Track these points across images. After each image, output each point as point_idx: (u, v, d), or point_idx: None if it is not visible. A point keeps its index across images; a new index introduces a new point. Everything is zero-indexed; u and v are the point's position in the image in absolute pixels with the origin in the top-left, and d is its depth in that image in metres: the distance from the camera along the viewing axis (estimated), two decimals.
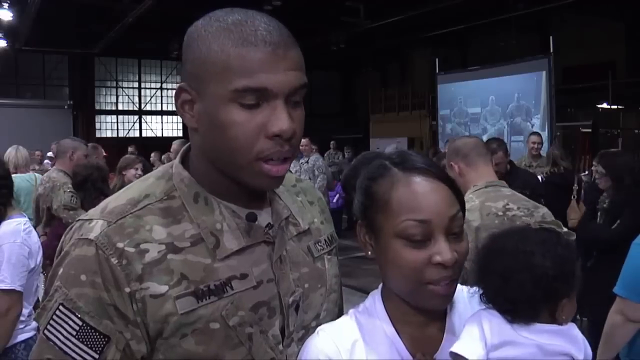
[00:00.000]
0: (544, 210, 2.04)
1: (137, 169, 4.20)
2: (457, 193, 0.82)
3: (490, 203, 1.94)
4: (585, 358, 0.79)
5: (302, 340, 0.84)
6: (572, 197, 4.58)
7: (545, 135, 8.52)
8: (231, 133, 0.73)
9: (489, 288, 0.79)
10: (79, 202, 3.25)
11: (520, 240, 0.80)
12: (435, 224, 0.77)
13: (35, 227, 3.59)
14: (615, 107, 12.29)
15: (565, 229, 0.83)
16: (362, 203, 0.84)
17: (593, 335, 3.23)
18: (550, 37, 9.10)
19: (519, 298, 0.76)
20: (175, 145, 5.64)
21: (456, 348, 0.78)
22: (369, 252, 0.84)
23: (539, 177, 4.62)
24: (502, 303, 0.78)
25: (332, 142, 11.28)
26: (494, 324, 0.78)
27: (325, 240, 0.94)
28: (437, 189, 0.79)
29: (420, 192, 0.78)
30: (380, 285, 0.89)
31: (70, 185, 3.33)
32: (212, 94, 0.73)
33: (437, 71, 11.71)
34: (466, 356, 0.76)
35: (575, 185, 4.60)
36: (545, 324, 0.78)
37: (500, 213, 1.92)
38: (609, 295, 3.21)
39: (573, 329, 0.80)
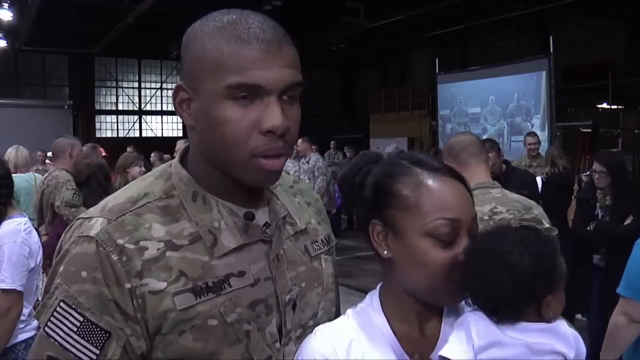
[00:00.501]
0: (537, 210, 1.98)
1: (140, 166, 4.24)
2: (470, 192, 0.84)
3: (475, 207, 1.88)
4: (578, 354, 0.79)
5: (300, 339, 0.85)
6: (573, 198, 4.58)
7: (545, 135, 8.53)
8: (225, 130, 0.74)
9: (471, 289, 0.79)
10: (82, 200, 3.26)
11: (498, 240, 0.80)
12: (463, 223, 0.79)
13: (37, 227, 3.61)
14: (615, 107, 12.29)
15: (547, 225, 0.83)
16: (377, 201, 0.83)
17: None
18: (550, 37, 9.11)
19: (498, 298, 0.76)
20: (179, 144, 5.66)
21: (444, 352, 0.78)
22: (385, 252, 0.83)
23: (540, 179, 4.61)
24: (484, 304, 0.78)
25: (332, 142, 11.28)
26: (481, 326, 0.78)
27: (322, 240, 0.95)
28: (461, 190, 0.81)
29: (449, 191, 0.80)
30: (379, 285, 0.89)
31: (73, 183, 3.35)
32: (207, 91, 0.74)
33: (437, 71, 11.72)
34: (454, 359, 0.76)
35: (576, 185, 4.61)
36: (532, 322, 0.78)
37: (486, 217, 1.84)
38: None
39: (562, 326, 0.79)
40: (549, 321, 0.79)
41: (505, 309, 0.77)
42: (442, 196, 0.79)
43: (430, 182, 0.80)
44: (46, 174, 3.86)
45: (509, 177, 3.59)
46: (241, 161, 0.75)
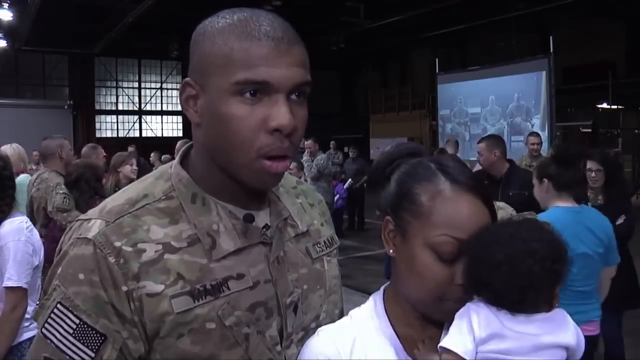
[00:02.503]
0: (505, 213, 1.99)
1: (132, 164, 4.18)
2: (494, 214, 0.80)
3: None
4: (578, 342, 0.78)
5: (302, 341, 0.84)
6: None
7: (545, 135, 8.54)
8: (232, 127, 0.73)
9: (496, 281, 0.76)
10: (72, 202, 3.21)
11: (512, 230, 0.78)
12: (469, 245, 0.76)
13: None
14: (615, 107, 12.31)
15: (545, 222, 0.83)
16: (397, 200, 0.82)
17: (610, 327, 3.24)
18: (550, 37, 9.13)
19: (528, 285, 0.75)
20: (179, 144, 5.63)
21: (445, 342, 0.77)
22: (390, 251, 0.83)
23: None
24: (512, 294, 0.75)
25: (332, 142, 11.24)
26: (482, 317, 0.76)
27: (325, 242, 0.93)
28: (480, 211, 0.78)
29: (465, 210, 0.77)
30: (382, 287, 0.89)
31: (63, 186, 3.30)
32: (215, 87, 0.73)
33: (437, 71, 11.74)
34: (455, 350, 0.75)
35: None
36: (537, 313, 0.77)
37: None
38: (622, 287, 3.23)
39: (560, 313, 0.78)
40: (547, 311, 0.78)
41: (530, 298, 0.75)
42: (456, 213, 0.77)
43: (448, 194, 0.77)
44: (34, 176, 3.72)
45: (510, 177, 3.60)
46: (246, 161, 0.74)
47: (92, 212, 0.80)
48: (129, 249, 0.74)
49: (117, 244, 0.74)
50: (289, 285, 0.83)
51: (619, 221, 3.25)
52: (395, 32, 13.12)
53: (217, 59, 0.73)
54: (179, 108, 0.87)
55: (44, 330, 0.73)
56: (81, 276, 0.73)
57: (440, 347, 0.78)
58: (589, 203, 3.40)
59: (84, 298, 0.72)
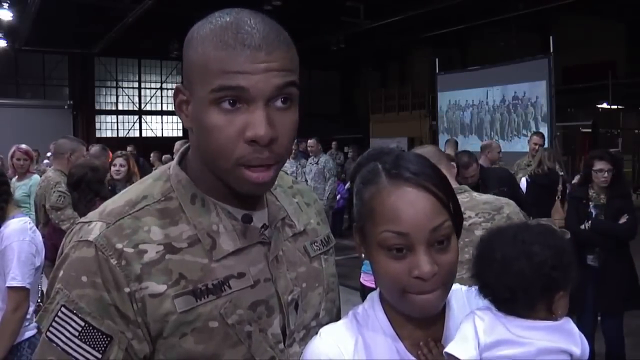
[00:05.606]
0: (509, 209, 1.94)
1: (115, 165, 4.24)
2: (447, 201, 0.78)
3: None
4: (583, 351, 0.80)
5: (304, 340, 0.85)
6: (557, 198, 4.63)
7: (545, 135, 8.54)
8: (212, 136, 0.73)
9: (489, 276, 0.79)
10: (67, 201, 3.22)
11: (519, 230, 0.81)
12: (415, 237, 0.75)
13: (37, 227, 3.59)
14: (615, 107, 12.32)
15: (560, 229, 0.84)
16: (356, 206, 0.84)
17: (613, 328, 3.25)
18: (550, 37, 9.11)
19: (518, 286, 0.76)
20: (177, 145, 5.65)
21: (450, 348, 0.78)
22: (362, 255, 0.84)
23: (524, 179, 4.67)
24: (502, 291, 0.78)
25: (333, 143, 11.17)
26: (487, 324, 0.78)
27: (321, 240, 0.95)
28: (419, 201, 0.76)
29: (400, 204, 0.76)
30: (379, 287, 0.89)
31: (63, 185, 3.32)
32: (197, 95, 0.74)
33: (437, 71, 11.73)
34: (459, 356, 0.77)
35: (560, 185, 4.65)
36: (540, 320, 0.79)
37: None
38: (624, 288, 3.23)
39: (568, 323, 0.80)
40: (555, 319, 0.79)
41: (521, 299, 0.77)
42: (392, 207, 0.76)
43: (387, 192, 0.78)
44: (43, 176, 3.83)
45: (485, 177, 3.74)
46: (227, 169, 0.75)
47: (92, 215, 0.80)
48: (131, 250, 0.74)
49: (119, 245, 0.74)
50: (289, 284, 0.84)
51: (622, 220, 3.26)
52: (395, 32, 13.11)
53: (197, 68, 0.74)
54: None
55: (49, 334, 0.74)
56: (84, 279, 0.73)
57: (445, 352, 0.79)
58: (591, 203, 3.41)
59: (88, 300, 0.73)
